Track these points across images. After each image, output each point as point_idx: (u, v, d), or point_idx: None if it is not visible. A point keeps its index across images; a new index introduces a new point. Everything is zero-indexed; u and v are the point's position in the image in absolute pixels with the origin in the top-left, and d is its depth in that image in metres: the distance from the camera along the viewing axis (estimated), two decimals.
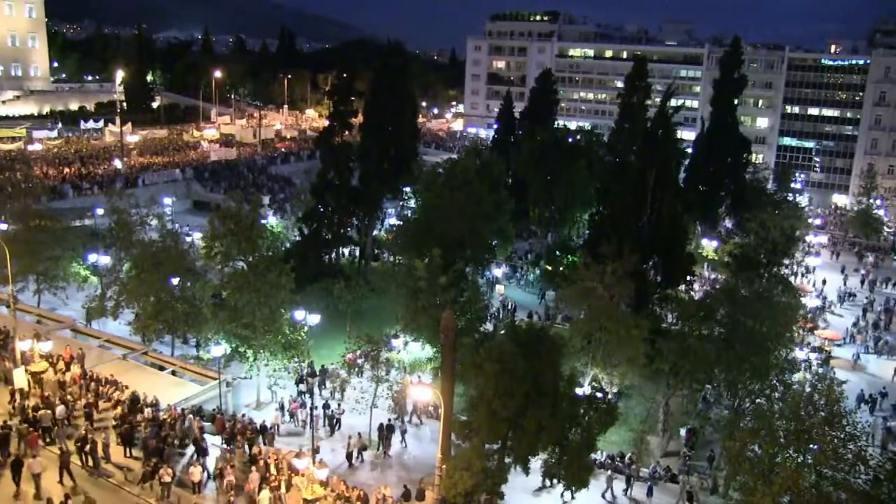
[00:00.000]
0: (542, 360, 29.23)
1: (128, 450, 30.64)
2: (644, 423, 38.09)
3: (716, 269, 67.72)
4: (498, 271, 62.94)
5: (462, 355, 33.89)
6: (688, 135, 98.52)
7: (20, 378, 32.81)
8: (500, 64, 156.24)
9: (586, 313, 41.91)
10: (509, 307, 58.60)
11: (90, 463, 29.35)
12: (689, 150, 79.21)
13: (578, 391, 34.51)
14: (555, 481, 32.10)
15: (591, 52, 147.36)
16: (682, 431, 40.08)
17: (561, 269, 58.12)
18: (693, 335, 39.04)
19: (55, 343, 38.91)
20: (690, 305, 44.12)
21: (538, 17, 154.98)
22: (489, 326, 45.52)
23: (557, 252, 65.67)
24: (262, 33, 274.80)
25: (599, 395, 36.58)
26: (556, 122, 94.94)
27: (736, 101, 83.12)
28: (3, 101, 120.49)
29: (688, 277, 58.24)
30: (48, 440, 30.15)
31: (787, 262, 59.61)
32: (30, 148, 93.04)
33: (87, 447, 29.24)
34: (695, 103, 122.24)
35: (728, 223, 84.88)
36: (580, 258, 50.05)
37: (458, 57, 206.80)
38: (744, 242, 61.68)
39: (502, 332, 39.08)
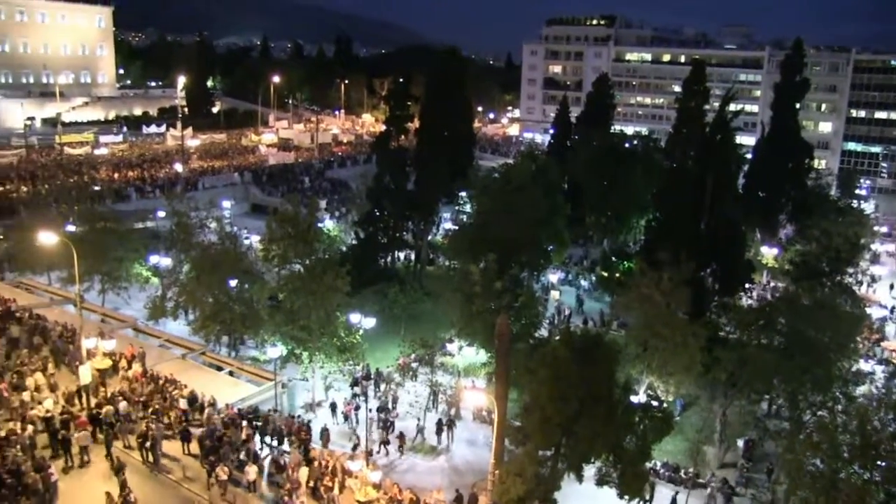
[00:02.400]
0: (597, 367, 28.94)
1: (186, 447, 31.19)
2: (700, 433, 37.48)
3: (776, 277, 66.33)
4: (553, 277, 62.59)
5: (516, 360, 33.81)
6: (747, 140, 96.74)
7: (85, 374, 33.67)
8: (557, 68, 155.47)
9: (642, 320, 41.42)
10: (564, 313, 58.24)
11: (150, 459, 29.99)
12: (749, 156, 77.75)
13: (634, 399, 34.12)
14: None
15: (648, 57, 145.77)
16: (740, 442, 39.31)
17: (617, 275, 57.55)
18: (752, 344, 38.26)
19: (118, 341, 39.78)
20: (749, 314, 43.28)
21: (594, 22, 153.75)
22: (544, 332, 45.28)
23: (613, 258, 65.06)
24: (319, 39, 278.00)
25: (655, 403, 36.12)
26: (612, 127, 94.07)
27: (798, 106, 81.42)
28: (73, 108, 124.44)
29: (746, 285, 57.22)
30: (110, 435, 30.86)
31: (850, 270, 58.15)
32: (96, 152, 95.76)
33: (148, 443, 29.90)
34: (754, 108, 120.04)
35: (789, 230, 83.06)
36: (636, 264, 49.52)
37: (514, 62, 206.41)
38: (805, 250, 60.34)
39: (557, 337, 38.88)
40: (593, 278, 65.80)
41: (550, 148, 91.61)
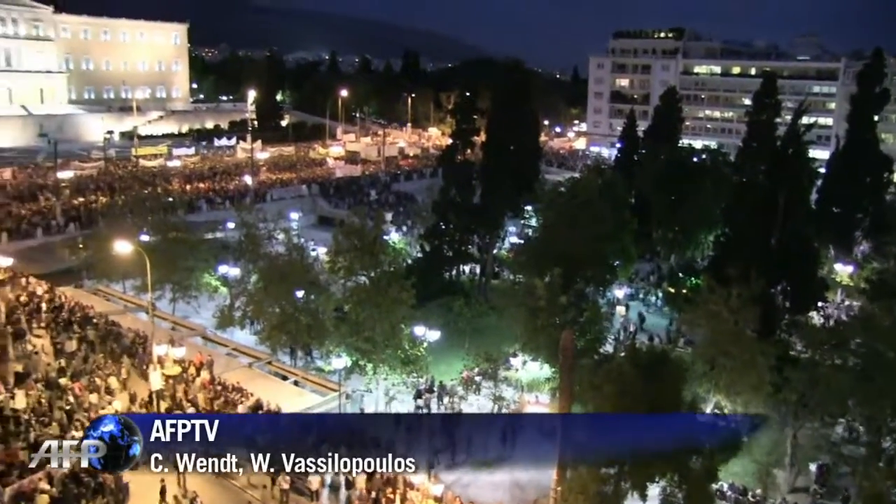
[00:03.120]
0: (663, 384, 28.51)
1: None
2: (770, 456, 36.46)
3: (851, 295, 64.36)
4: (619, 292, 61.87)
5: (581, 376, 33.49)
6: (820, 154, 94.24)
7: (156, 380, 34.56)
8: (623, 82, 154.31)
9: (709, 337, 40.61)
10: (630, 329, 57.49)
11: None
12: (822, 170, 75.77)
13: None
14: None
15: (717, 69, 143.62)
16: (813, 467, 38.10)
17: (684, 291, 56.60)
18: (824, 364, 37.08)
19: (187, 349, 40.72)
20: (822, 333, 42.01)
21: (662, 35, 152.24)
22: (609, 348, 44.76)
23: (681, 274, 64.02)
24: (387, 54, 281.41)
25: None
26: (680, 141, 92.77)
27: (876, 118, 79.08)
28: (149, 121, 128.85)
29: (819, 303, 55.64)
30: None
31: None
32: (170, 164, 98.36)
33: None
34: (828, 121, 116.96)
35: (865, 247, 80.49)
36: (704, 281, 48.66)
37: (580, 75, 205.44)
38: (883, 268, 58.53)
39: (622, 353, 38.37)
40: (660, 294, 64.86)
41: (617, 162, 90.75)
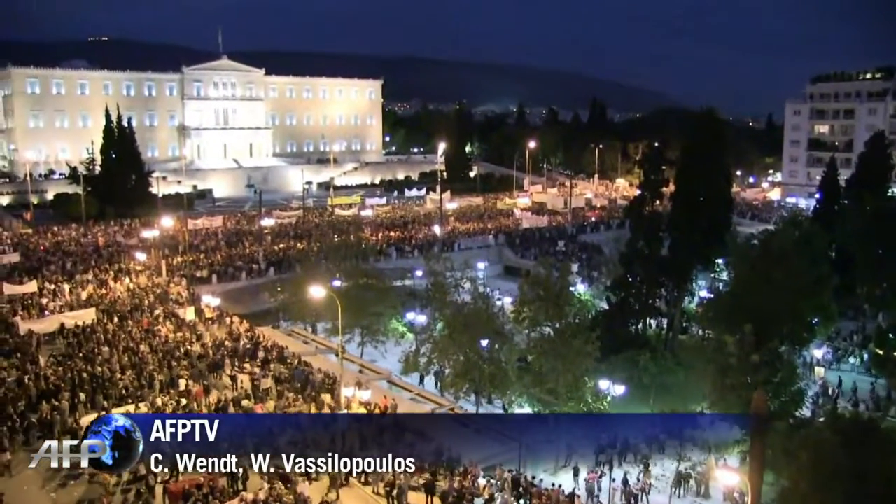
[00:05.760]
0: (871, 457, 26.43)
1: (429, 499, 32.22)
2: None
3: None
4: (818, 352, 58.23)
5: (774, 441, 31.77)
6: None
7: None
8: (823, 128, 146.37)
9: None
10: (831, 392, 53.85)
11: None
12: None
13: None
14: None
15: None
16: None
17: (895, 354, 52.44)
18: None
19: (373, 392, 42.16)
20: None
21: (868, 76, 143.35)
22: (806, 412, 42.12)
23: (891, 334, 59.30)
24: (574, 104, 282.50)
25: None
26: (889, 190, 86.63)
27: None
28: (344, 172, 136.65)
29: None
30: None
31: None
32: (362, 213, 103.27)
33: (395, 492, 31.28)
34: None
35: None
36: None
37: (774, 123, 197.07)
38: None
39: (821, 419, 36.01)
40: (866, 356, 60.35)
41: (816, 213, 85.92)
